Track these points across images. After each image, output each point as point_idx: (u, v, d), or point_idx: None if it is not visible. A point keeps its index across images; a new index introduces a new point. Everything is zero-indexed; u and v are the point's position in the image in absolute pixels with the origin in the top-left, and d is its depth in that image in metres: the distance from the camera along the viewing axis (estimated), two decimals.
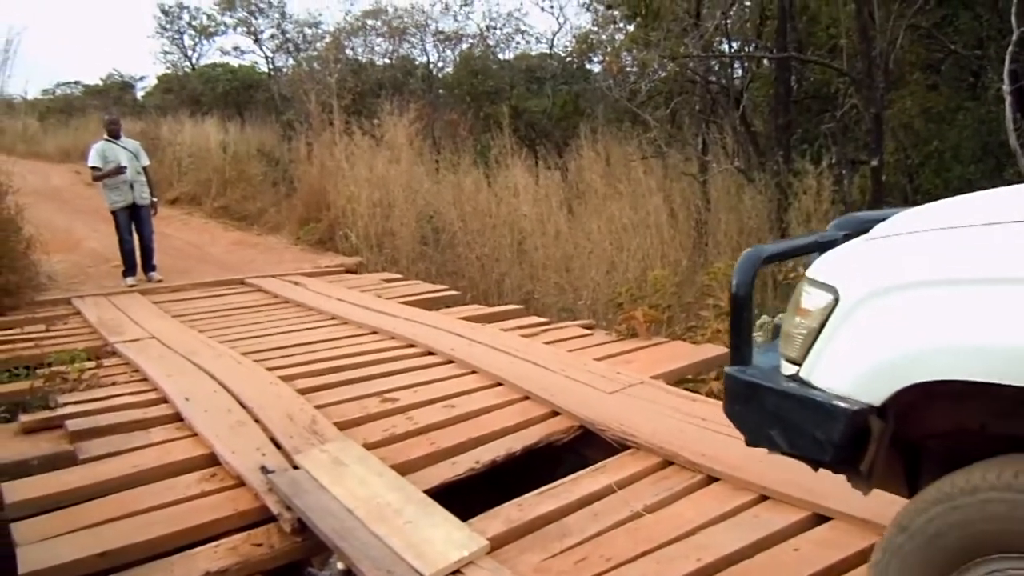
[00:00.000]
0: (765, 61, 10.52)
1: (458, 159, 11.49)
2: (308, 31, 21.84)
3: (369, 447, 3.99)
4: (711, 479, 3.52)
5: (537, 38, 19.57)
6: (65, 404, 4.71)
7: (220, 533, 3.28)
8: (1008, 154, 7.25)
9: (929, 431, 1.83)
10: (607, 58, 13.53)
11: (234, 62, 23.84)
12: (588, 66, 16.96)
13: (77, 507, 3.47)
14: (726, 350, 4.05)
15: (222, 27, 23.92)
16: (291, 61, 21.97)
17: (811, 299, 1.83)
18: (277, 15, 22.27)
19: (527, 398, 4.70)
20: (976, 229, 1.64)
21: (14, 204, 8.33)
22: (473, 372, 5.25)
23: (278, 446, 4.00)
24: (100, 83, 29.18)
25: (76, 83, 30.08)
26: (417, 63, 19.24)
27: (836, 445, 1.73)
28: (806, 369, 1.83)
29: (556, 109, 15.63)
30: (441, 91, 18.25)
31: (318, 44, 20.99)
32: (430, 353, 5.74)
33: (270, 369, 5.34)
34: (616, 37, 14.11)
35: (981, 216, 1.68)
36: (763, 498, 3.30)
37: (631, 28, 12.92)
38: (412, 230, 10.22)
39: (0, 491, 3.59)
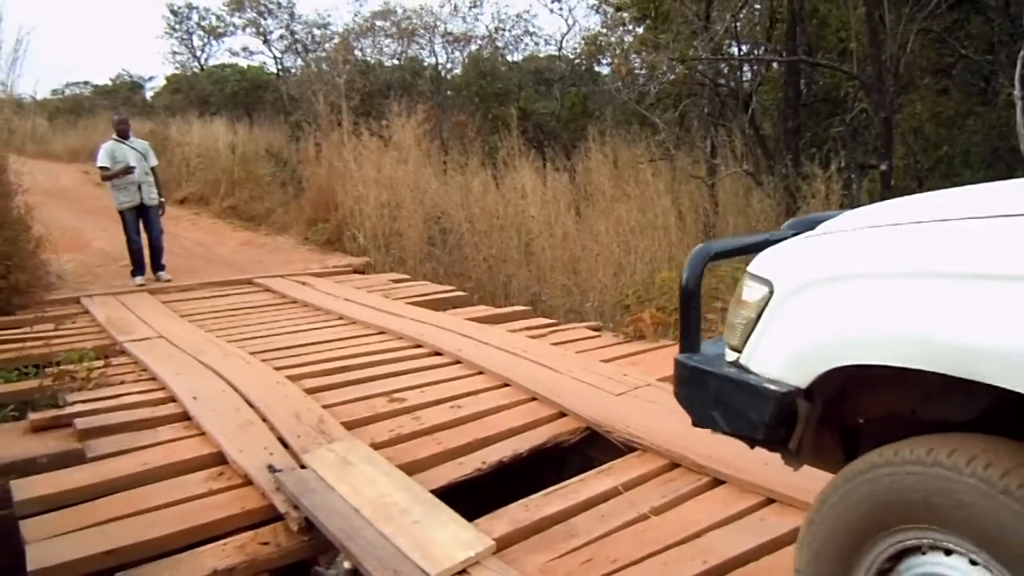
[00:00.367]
0: (775, 64, 10.50)
1: (466, 160, 11.50)
2: (317, 32, 21.96)
3: (376, 447, 3.99)
4: (718, 481, 3.52)
5: (546, 40, 19.63)
6: (74, 402, 4.73)
7: (227, 531, 3.29)
8: (1019, 159, 7.22)
9: (864, 415, 1.95)
10: (616, 60, 13.55)
11: (243, 63, 24.01)
12: (597, 68, 16.99)
13: (85, 505, 3.48)
14: None
15: (231, 28, 24.05)
16: (300, 62, 22.10)
17: (750, 292, 1.97)
18: (286, 16, 22.39)
19: (534, 399, 4.70)
20: (898, 228, 1.76)
21: (24, 204, 8.35)
22: (480, 373, 5.26)
23: (285, 445, 4.01)
24: (109, 83, 29.35)
25: (85, 83, 30.24)
26: (425, 64, 19.28)
27: (767, 425, 1.87)
28: (745, 356, 1.96)
29: (564, 111, 15.63)
30: (449, 92, 18.25)
31: (327, 45, 21.10)
32: (437, 353, 5.75)
33: (278, 369, 5.35)
34: (625, 39, 14.12)
35: (909, 215, 1.80)
36: (769, 501, 3.30)
37: (640, 30, 12.92)
38: (420, 231, 10.23)
39: (9, 489, 3.61)
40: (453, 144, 13.80)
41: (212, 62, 25.17)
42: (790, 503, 3.21)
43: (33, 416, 4.50)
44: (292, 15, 22.37)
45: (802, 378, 1.81)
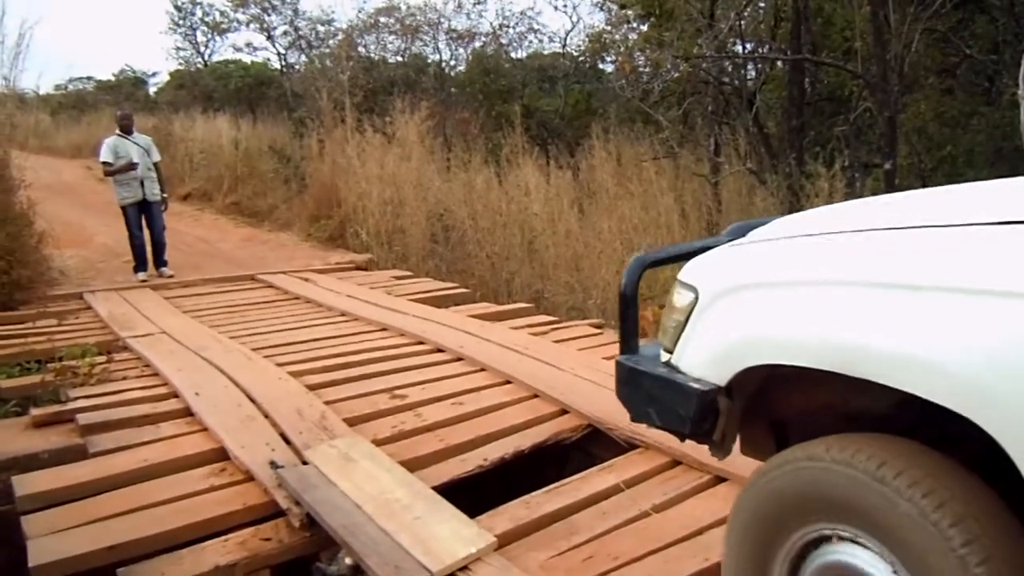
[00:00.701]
0: (779, 63, 10.50)
1: (469, 157, 11.48)
2: (321, 28, 21.84)
3: (378, 443, 4.00)
4: (719, 479, 3.52)
5: (550, 37, 19.61)
6: (76, 398, 4.72)
7: (229, 527, 3.29)
8: (1022, 159, 7.21)
9: (791, 409, 2.10)
10: (620, 58, 13.53)
11: (246, 59, 23.90)
12: (601, 66, 16.96)
13: (87, 501, 3.48)
14: None
15: (235, 24, 23.92)
16: (303, 58, 22.00)
17: (678, 297, 2.13)
18: (290, 12, 22.27)
19: (536, 396, 4.70)
20: (807, 239, 1.93)
21: (26, 199, 8.35)
22: (482, 370, 5.26)
23: (287, 441, 4.01)
24: (112, 78, 29.25)
25: (88, 78, 30.08)
26: (429, 61, 19.24)
27: (692, 419, 2.03)
28: (675, 357, 2.13)
29: (568, 108, 15.61)
30: (453, 89, 18.23)
31: (330, 41, 21.01)
32: (439, 350, 5.75)
33: (280, 365, 5.35)
34: (629, 37, 14.12)
35: (820, 227, 1.96)
36: None
37: (644, 28, 12.93)
38: (422, 228, 10.22)
39: (11, 484, 3.61)
40: (456, 141, 13.80)
41: (216, 58, 25.12)
42: None
43: (35, 412, 4.49)
44: (296, 11, 22.28)
45: (722, 376, 1.96)
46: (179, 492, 3.56)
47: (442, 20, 18.63)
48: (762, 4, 11.43)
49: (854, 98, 9.75)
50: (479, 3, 17.66)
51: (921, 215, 1.79)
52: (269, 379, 5.01)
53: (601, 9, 17.60)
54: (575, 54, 17.56)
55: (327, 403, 4.56)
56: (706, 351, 2.01)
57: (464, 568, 2.85)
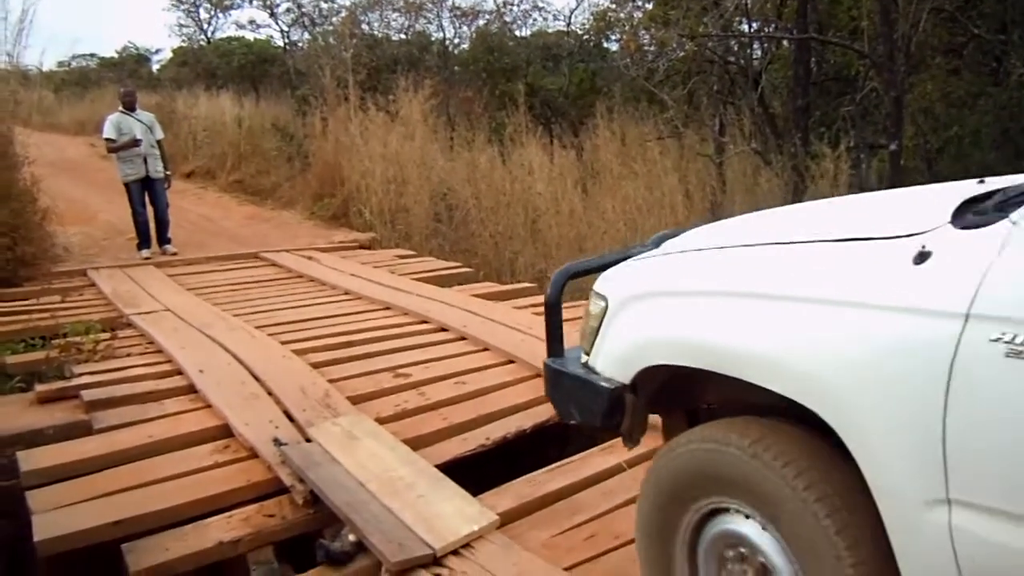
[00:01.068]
0: (785, 42, 10.43)
1: (473, 136, 11.43)
2: (324, 5, 21.69)
3: (381, 421, 4.01)
4: None
5: (554, 15, 19.53)
6: (80, 374, 4.74)
7: (233, 504, 3.31)
8: None
9: (703, 401, 2.36)
10: (625, 36, 13.47)
11: (249, 36, 23.82)
12: (605, 44, 16.87)
13: (92, 476, 3.50)
14: None
15: (237, 1, 23.84)
16: (307, 35, 21.91)
17: (593, 305, 2.34)
18: None
19: (539, 375, 4.70)
20: (697, 253, 2.16)
21: (30, 175, 8.33)
22: (485, 349, 5.26)
23: (291, 419, 4.03)
24: (115, 55, 29.15)
25: (92, 55, 29.95)
26: (433, 39, 19.13)
27: (603, 414, 2.25)
28: (592, 359, 2.34)
29: (572, 87, 15.54)
30: (457, 68, 18.14)
31: (334, 19, 20.87)
32: (443, 329, 5.75)
33: (284, 343, 5.36)
34: (634, 15, 14.03)
35: (709, 242, 2.20)
36: None
37: (650, 6, 12.85)
38: (426, 207, 10.20)
39: (16, 460, 3.63)
40: (460, 120, 13.73)
41: (219, 35, 25.05)
42: None
43: (40, 388, 4.51)
44: None
45: (627, 375, 2.18)
46: (183, 468, 3.58)
47: None
48: None
49: (860, 78, 9.69)
50: None
51: (789, 231, 2.00)
52: (273, 357, 5.02)
53: None
54: (580, 32, 17.48)
55: (331, 381, 4.57)
56: (614, 353, 2.24)
57: (467, 546, 2.87)
